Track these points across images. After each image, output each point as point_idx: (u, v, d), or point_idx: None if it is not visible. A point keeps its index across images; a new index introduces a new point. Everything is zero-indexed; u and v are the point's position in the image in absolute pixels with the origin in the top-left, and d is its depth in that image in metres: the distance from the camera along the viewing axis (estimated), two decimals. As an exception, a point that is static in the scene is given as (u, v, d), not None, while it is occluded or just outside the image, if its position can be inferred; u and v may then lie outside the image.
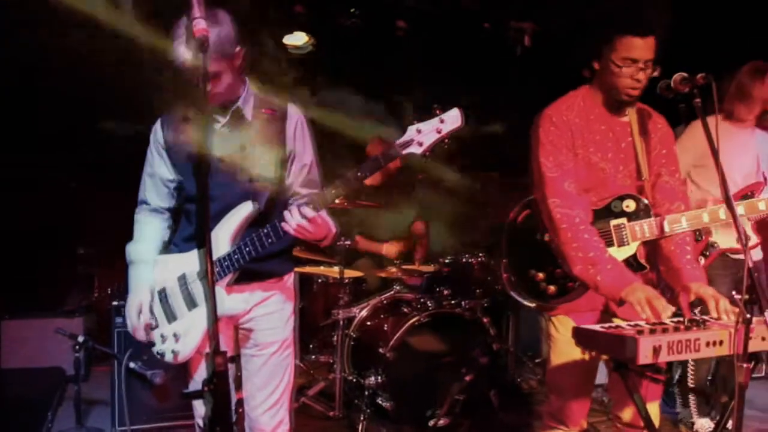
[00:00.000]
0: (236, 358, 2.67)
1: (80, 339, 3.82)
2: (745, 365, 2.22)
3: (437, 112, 2.41)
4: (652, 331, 2.24)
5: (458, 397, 4.13)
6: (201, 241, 2.67)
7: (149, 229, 2.88)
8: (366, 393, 4.20)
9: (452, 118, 2.40)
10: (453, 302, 4.52)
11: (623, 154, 2.87)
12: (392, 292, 4.63)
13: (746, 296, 2.22)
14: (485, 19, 6.09)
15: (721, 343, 2.27)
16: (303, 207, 2.50)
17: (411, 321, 4.21)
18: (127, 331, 4.25)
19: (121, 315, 4.28)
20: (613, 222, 2.83)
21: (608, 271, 2.64)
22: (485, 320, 4.57)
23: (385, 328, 4.35)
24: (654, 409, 3.01)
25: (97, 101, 5.22)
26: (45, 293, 5.14)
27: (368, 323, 4.51)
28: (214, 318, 1.52)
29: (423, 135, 2.41)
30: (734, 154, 4.10)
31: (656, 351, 2.16)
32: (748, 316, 2.20)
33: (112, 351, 4.14)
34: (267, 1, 5.28)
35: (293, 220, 2.51)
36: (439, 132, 2.40)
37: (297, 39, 5.84)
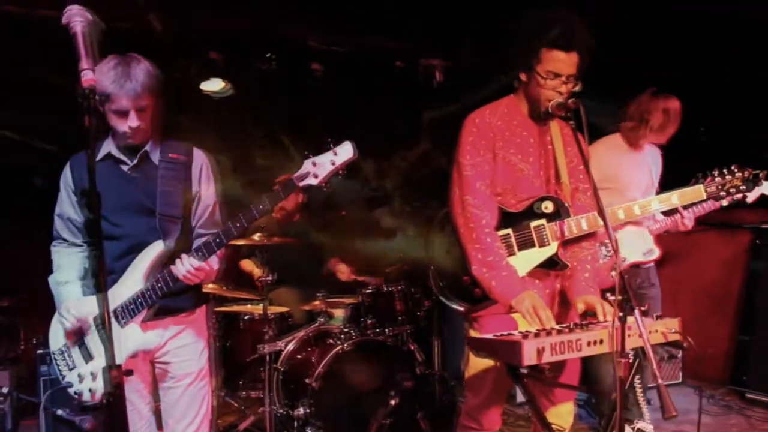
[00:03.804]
0: (130, 372, 2.76)
1: (4, 390, 3.84)
2: (623, 360, 2.42)
3: (331, 145, 2.59)
4: (537, 335, 2.42)
5: (385, 422, 4.24)
6: (114, 277, 2.82)
7: (67, 259, 2.99)
8: (296, 424, 4.27)
9: (345, 151, 2.58)
10: (377, 330, 4.66)
11: (543, 159, 3.06)
12: (317, 324, 4.74)
13: (620, 297, 2.43)
14: (397, 57, 6.34)
15: (601, 341, 2.47)
16: (191, 258, 2.70)
17: (335, 350, 4.33)
18: (53, 378, 4.30)
19: (46, 363, 4.29)
20: (533, 223, 3.00)
21: (503, 277, 2.83)
22: (412, 346, 4.72)
23: (312, 360, 4.45)
24: (568, 407, 3.18)
25: (22, 151, 5.24)
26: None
27: (297, 356, 4.60)
28: (109, 332, 1.64)
29: (318, 168, 2.59)
30: (633, 172, 4.40)
31: (540, 352, 2.34)
32: (620, 314, 2.40)
33: (38, 400, 4.14)
34: (182, 49, 5.43)
35: (182, 269, 2.70)
36: (333, 164, 2.58)
37: (214, 85, 5.98)
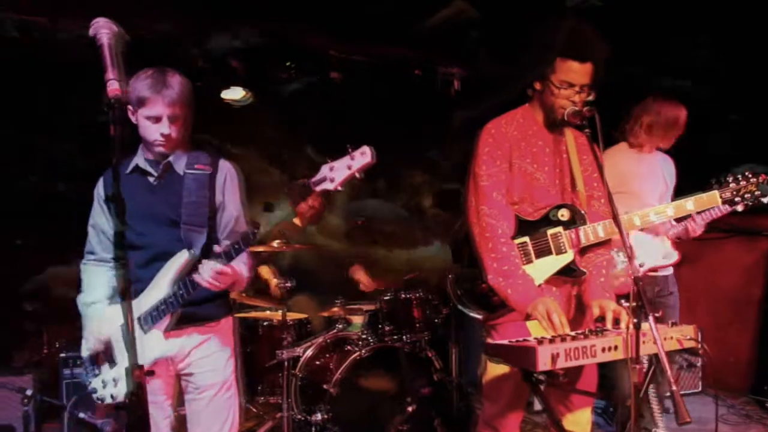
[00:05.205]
0: (152, 373, 2.78)
1: (28, 392, 3.89)
2: (638, 366, 2.43)
3: (349, 150, 2.54)
4: (552, 341, 2.45)
5: (402, 428, 4.27)
6: (139, 286, 2.85)
7: (95, 278, 3.02)
8: (313, 430, 4.31)
9: (361, 155, 2.52)
10: (395, 337, 4.69)
11: (559, 168, 3.08)
12: (335, 331, 4.78)
13: (634, 303, 2.45)
14: (416, 66, 6.38)
15: (616, 348, 2.49)
16: (213, 263, 2.68)
17: (353, 356, 4.37)
18: (75, 382, 4.39)
19: (68, 367, 4.38)
20: (550, 231, 3.02)
21: (518, 285, 2.85)
22: (430, 353, 4.74)
23: (330, 366, 4.49)
24: (586, 414, 3.17)
25: (43, 159, 5.35)
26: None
27: (315, 362, 4.65)
28: (132, 333, 1.70)
29: (335, 172, 2.54)
30: (647, 178, 4.40)
31: (554, 358, 2.36)
32: (635, 321, 2.42)
33: (61, 403, 4.21)
34: (204, 58, 5.53)
35: (205, 275, 2.69)
36: (349, 168, 2.52)
37: (235, 93, 6.07)
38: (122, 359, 2.88)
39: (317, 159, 5.98)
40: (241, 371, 4.41)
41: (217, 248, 2.75)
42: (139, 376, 1.67)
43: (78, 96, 4.44)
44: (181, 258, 2.82)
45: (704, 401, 5.81)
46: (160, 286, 2.81)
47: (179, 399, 3.04)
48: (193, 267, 2.80)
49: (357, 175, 2.55)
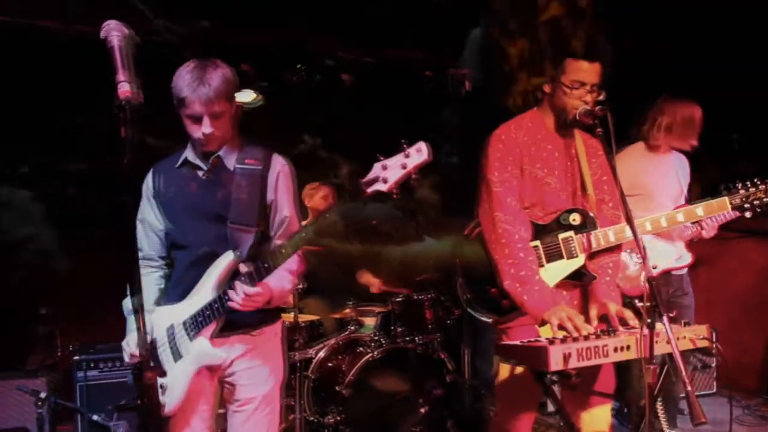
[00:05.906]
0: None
1: (42, 395, 3.93)
2: (651, 366, 2.42)
3: (404, 146, 2.29)
4: (563, 341, 2.44)
5: (414, 429, 4.27)
6: (184, 288, 2.75)
7: (143, 282, 2.90)
8: (325, 431, 4.31)
9: (417, 153, 2.26)
10: (407, 338, 4.68)
11: (570, 173, 3.09)
12: (347, 332, 4.78)
13: (648, 303, 2.44)
14: (426, 67, 6.38)
15: (628, 347, 2.48)
16: (243, 285, 2.53)
17: (365, 358, 4.36)
18: (89, 384, 4.41)
19: (82, 369, 4.39)
20: (562, 235, 3.02)
21: (535, 292, 2.84)
22: (443, 355, 4.73)
23: (343, 367, 4.49)
24: (604, 412, 3.13)
25: (60, 162, 5.38)
26: (6, 355, 5.19)
27: (328, 364, 4.64)
28: (143, 333, 1.70)
29: (388, 171, 2.28)
30: (660, 178, 4.37)
31: (566, 358, 2.35)
32: (649, 321, 2.41)
33: (74, 405, 4.23)
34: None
35: (236, 298, 2.54)
36: (404, 167, 2.26)
37: (245, 96, 6.09)
38: (170, 366, 2.73)
39: (330, 161, 6.01)
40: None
41: (243, 267, 2.59)
42: (151, 378, 1.66)
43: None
44: (226, 260, 2.66)
45: (719, 402, 5.76)
46: (205, 290, 2.68)
47: (220, 403, 2.92)
48: (238, 269, 2.65)
49: (413, 175, 2.30)
